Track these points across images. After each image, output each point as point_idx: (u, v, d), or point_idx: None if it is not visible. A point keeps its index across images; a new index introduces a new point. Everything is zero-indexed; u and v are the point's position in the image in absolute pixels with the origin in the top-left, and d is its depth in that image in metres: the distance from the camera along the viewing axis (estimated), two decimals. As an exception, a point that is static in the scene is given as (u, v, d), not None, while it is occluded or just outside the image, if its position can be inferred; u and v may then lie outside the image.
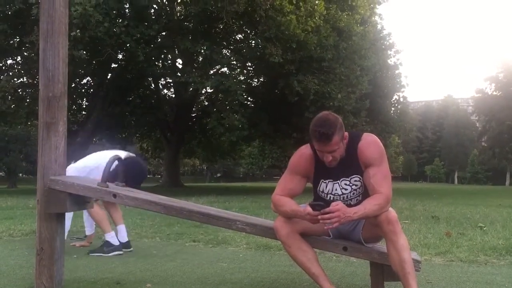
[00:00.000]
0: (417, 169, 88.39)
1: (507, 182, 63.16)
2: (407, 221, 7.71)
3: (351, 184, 2.84)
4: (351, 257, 3.89)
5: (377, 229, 2.75)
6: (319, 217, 2.60)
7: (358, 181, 2.84)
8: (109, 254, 4.74)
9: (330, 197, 2.90)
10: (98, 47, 18.02)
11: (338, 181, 2.87)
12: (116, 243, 4.87)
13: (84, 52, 16.54)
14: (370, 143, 2.82)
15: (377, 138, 2.88)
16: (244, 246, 5.31)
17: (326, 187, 2.89)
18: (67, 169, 4.25)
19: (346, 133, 2.78)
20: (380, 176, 2.76)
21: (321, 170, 2.86)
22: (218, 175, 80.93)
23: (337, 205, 2.62)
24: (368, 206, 2.66)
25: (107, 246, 4.82)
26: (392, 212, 2.70)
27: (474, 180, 76.08)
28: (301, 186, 2.94)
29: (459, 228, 6.92)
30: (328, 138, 2.65)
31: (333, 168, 2.82)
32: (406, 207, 11.56)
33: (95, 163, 4.81)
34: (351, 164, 2.82)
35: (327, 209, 2.59)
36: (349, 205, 2.76)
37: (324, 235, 2.98)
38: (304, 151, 2.92)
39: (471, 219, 8.49)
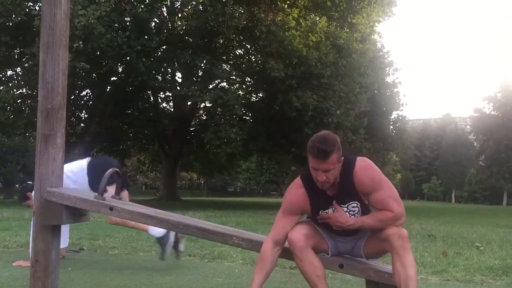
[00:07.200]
0: (415, 187, 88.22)
1: (504, 202, 63.11)
2: (404, 239, 7.67)
3: (348, 211, 2.83)
4: (347, 275, 3.88)
5: (384, 244, 2.73)
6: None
7: (356, 207, 2.84)
8: (172, 240, 4.61)
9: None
10: (99, 59, 18.11)
11: None
12: (163, 231, 4.63)
13: (86, 64, 16.59)
14: (365, 170, 2.79)
15: (370, 161, 2.85)
16: (240, 261, 5.29)
17: (327, 211, 2.87)
18: None
19: (342, 157, 2.74)
20: (385, 197, 2.76)
21: (318, 203, 2.85)
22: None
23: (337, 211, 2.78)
24: (369, 220, 2.74)
25: (161, 240, 4.65)
26: (403, 229, 2.71)
27: (471, 199, 75.88)
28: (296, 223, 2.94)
29: (455, 247, 6.90)
30: (326, 156, 2.63)
31: (330, 198, 2.83)
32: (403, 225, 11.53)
33: (78, 168, 4.72)
34: (348, 191, 2.80)
35: (325, 216, 2.78)
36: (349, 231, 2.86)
37: (323, 253, 2.97)
38: (295, 191, 2.90)
39: (467, 238, 8.48)
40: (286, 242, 2.85)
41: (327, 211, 2.85)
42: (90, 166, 4.72)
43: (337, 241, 2.94)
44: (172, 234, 4.65)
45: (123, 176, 4.69)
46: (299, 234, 2.81)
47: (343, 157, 2.74)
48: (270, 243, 2.86)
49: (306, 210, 2.89)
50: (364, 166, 2.80)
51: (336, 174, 2.73)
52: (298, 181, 2.91)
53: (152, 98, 27.59)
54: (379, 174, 2.81)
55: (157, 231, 4.66)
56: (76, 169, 4.73)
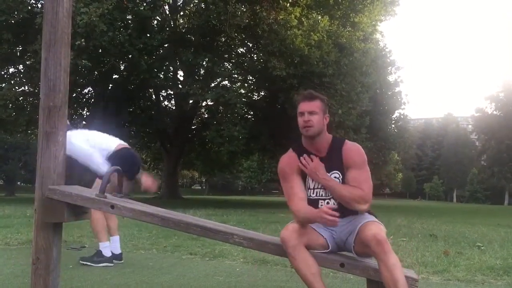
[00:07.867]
0: (416, 186, 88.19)
1: (506, 202, 63.01)
2: (405, 239, 7.68)
3: None
4: (348, 274, 3.87)
5: (368, 249, 2.75)
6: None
7: (337, 178, 2.95)
8: (99, 265, 4.73)
9: (316, 192, 2.99)
10: (101, 57, 18.13)
11: None
12: (108, 254, 4.86)
13: (88, 62, 16.59)
14: (355, 148, 3.02)
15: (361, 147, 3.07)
16: (241, 260, 5.29)
17: (312, 181, 3.00)
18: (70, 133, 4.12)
19: (327, 116, 3.02)
20: (362, 178, 2.92)
21: None
22: (204, 186, 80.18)
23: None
24: (341, 186, 2.90)
25: (98, 257, 4.81)
26: (381, 233, 2.71)
27: (473, 199, 75.77)
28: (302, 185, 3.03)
29: (457, 247, 6.89)
30: (312, 97, 2.98)
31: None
32: (404, 224, 11.53)
33: (106, 147, 4.67)
34: (334, 160, 2.97)
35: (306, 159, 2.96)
36: (334, 209, 2.87)
37: (323, 249, 2.97)
38: (287, 155, 3.11)
39: (469, 238, 8.47)
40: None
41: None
42: (118, 152, 4.66)
43: (329, 230, 2.95)
44: (110, 261, 4.86)
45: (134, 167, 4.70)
46: (291, 232, 2.84)
47: (328, 115, 3.03)
48: (299, 201, 2.95)
49: (299, 169, 3.01)
50: (355, 146, 3.03)
51: (321, 124, 2.97)
52: (289, 150, 3.15)
53: (153, 96, 27.59)
54: (365, 158, 3.00)
55: (106, 249, 4.86)
56: (105, 147, 4.69)
